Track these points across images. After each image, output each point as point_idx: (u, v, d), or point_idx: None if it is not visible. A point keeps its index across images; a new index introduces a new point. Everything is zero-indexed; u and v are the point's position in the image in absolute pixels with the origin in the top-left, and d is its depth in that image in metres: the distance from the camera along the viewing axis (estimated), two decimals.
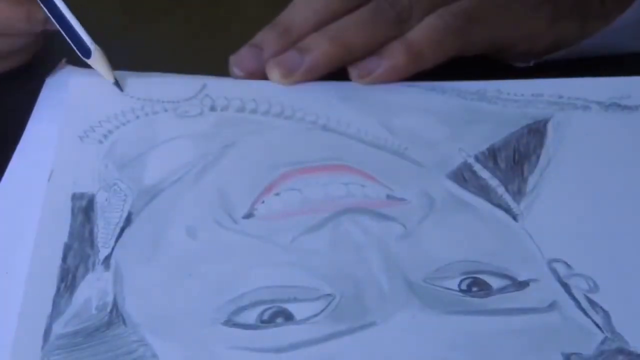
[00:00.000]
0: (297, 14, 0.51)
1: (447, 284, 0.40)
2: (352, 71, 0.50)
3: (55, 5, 0.48)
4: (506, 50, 0.52)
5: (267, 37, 0.51)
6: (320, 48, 0.49)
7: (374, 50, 0.50)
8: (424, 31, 0.50)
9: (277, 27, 0.51)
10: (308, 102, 0.49)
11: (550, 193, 0.45)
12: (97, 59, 0.49)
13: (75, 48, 0.49)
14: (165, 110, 0.48)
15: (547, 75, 0.50)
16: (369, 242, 0.42)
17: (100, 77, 0.49)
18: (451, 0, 0.51)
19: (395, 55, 0.49)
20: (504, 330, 0.39)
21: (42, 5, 0.48)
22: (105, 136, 0.47)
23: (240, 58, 0.51)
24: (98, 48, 0.49)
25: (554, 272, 0.41)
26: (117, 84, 0.49)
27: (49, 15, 0.48)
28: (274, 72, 0.50)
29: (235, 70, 0.51)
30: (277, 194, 0.44)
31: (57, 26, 0.48)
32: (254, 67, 0.50)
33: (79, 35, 0.48)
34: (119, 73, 0.50)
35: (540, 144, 0.47)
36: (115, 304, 0.39)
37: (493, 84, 0.50)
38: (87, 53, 0.49)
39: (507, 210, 0.44)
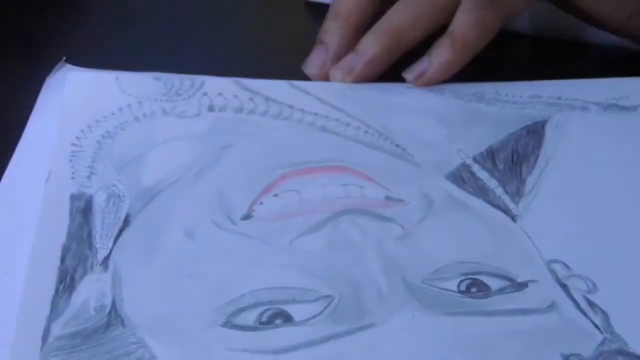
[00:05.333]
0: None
1: (446, 285, 0.40)
2: (407, 75, 0.50)
3: None
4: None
5: (325, 29, 0.52)
6: (373, 41, 0.50)
7: (426, 31, 0.50)
8: (460, 18, 0.50)
9: (329, 16, 0.52)
10: (306, 103, 0.49)
11: (549, 194, 0.45)
12: None
13: None
14: (164, 110, 0.48)
15: (546, 77, 0.50)
16: (367, 243, 0.42)
17: (100, 77, 0.49)
18: None
19: (442, 52, 0.50)
20: (503, 332, 0.39)
21: None
22: (103, 136, 0.47)
23: (311, 60, 0.51)
24: None
25: (553, 273, 0.41)
26: None
27: None
28: (337, 76, 0.51)
29: (310, 72, 0.51)
30: (276, 195, 0.44)
31: None
32: (325, 63, 0.51)
33: None
34: (118, 73, 0.50)
35: (539, 144, 0.47)
36: (113, 305, 0.39)
37: (491, 86, 0.50)
38: None
39: (506, 211, 0.44)
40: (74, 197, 0.43)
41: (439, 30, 0.51)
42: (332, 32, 0.51)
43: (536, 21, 0.57)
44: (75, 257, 0.41)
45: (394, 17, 0.50)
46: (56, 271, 0.40)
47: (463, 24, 0.50)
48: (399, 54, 0.51)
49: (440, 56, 0.50)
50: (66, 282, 0.40)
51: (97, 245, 0.41)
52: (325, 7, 0.53)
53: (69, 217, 0.42)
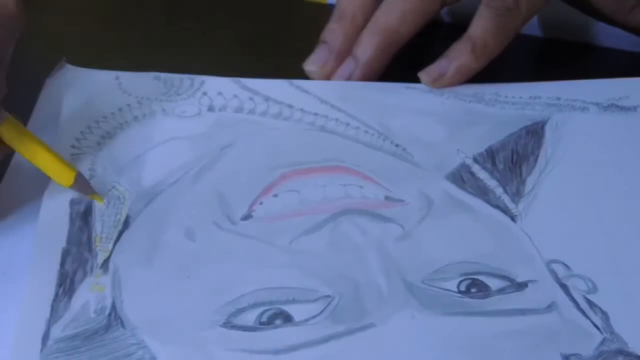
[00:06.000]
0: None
1: (446, 285, 0.40)
2: (424, 77, 0.50)
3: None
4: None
5: (329, 29, 0.52)
6: (367, 43, 0.50)
7: (418, 24, 0.50)
8: (480, 23, 0.50)
9: (334, 17, 0.52)
10: (306, 103, 0.49)
11: (549, 194, 0.45)
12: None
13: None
14: (164, 110, 0.48)
15: (546, 79, 0.50)
16: (367, 243, 0.42)
17: (100, 76, 0.49)
18: None
19: (461, 56, 0.50)
20: (503, 332, 0.39)
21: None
22: (103, 137, 0.47)
23: (313, 58, 0.51)
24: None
25: (553, 273, 0.41)
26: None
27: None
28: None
29: (311, 69, 0.51)
30: (276, 195, 0.44)
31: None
32: (326, 62, 0.51)
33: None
34: (118, 72, 0.50)
35: (538, 145, 0.47)
36: (113, 307, 0.39)
37: (491, 87, 0.50)
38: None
39: (506, 211, 0.44)
40: (74, 202, 0.43)
41: (430, 23, 0.51)
42: (336, 32, 0.51)
43: (539, 21, 0.57)
44: (75, 261, 0.41)
45: (382, 16, 0.51)
46: (56, 275, 0.40)
47: (483, 29, 0.50)
48: (395, 51, 0.51)
49: (459, 59, 0.50)
50: (66, 285, 0.40)
51: (97, 248, 0.41)
52: (323, 7, 0.53)
53: (69, 221, 0.42)
